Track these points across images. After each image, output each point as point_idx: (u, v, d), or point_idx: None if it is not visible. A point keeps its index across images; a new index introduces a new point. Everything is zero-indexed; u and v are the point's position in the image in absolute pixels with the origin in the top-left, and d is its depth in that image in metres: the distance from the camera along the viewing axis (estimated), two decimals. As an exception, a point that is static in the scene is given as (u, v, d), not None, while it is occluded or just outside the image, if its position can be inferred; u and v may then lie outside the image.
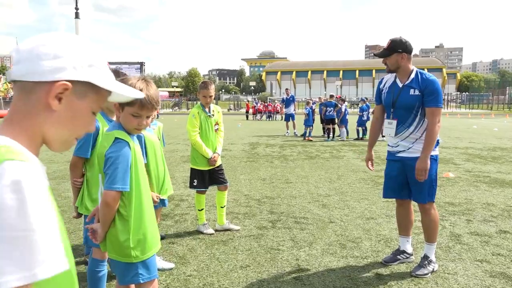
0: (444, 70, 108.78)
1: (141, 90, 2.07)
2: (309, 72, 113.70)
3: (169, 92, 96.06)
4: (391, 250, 4.18)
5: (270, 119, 35.68)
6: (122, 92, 1.00)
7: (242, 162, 10.09)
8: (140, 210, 2.12)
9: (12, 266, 0.76)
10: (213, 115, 4.70)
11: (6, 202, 0.77)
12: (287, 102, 18.61)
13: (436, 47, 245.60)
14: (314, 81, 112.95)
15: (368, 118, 16.78)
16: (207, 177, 4.74)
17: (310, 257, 4.03)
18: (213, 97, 4.65)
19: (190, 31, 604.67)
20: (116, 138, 2.07)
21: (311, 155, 11.57)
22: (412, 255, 3.94)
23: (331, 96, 17.32)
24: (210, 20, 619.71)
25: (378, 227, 4.94)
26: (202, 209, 4.79)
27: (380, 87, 3.89)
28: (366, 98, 19.04)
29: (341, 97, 19.27)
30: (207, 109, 4.66)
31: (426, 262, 3.66)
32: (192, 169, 4.76)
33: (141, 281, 2.13)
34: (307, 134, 16.43)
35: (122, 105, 2.10)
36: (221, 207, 4.84)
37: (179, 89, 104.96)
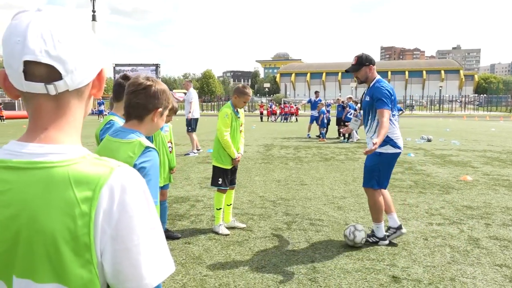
0: (462, 72, 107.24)
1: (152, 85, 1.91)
2: (324, 74, 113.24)
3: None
4: (407, 252, 4.15)
5: (286, 121, 35.47)
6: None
7: (257, 164, 10.11)
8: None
9: (162, 262, 0.84)
10: (239, 116, 4.79)
11: (142, 203, 0.82)
12: (314, 104, 18.45)
13: (453, 48, 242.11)
14: (328, 82, 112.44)
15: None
16: (229, 176, 4.82)
17: (325, 259, 4.02)
18: None
19: (204, 33, 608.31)
20: (147, 147, 1.87)
21: (326, 157, 11.52)
22: (398, 228, 4.43)
23: (350, 98, 17.23)
24: (224, 23, 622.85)
25: (394, 230, 4.89)
26: (221, 208, 4.83)
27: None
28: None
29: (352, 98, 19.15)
30: (236, 110, 4.75)
31: (370, 235, 4.44)
32: (216, 167, 4.80)
33: None
34: (325, 135, 16.79)
35: (163, 112, 1.98)
36: (228, 205, 4.96)
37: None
